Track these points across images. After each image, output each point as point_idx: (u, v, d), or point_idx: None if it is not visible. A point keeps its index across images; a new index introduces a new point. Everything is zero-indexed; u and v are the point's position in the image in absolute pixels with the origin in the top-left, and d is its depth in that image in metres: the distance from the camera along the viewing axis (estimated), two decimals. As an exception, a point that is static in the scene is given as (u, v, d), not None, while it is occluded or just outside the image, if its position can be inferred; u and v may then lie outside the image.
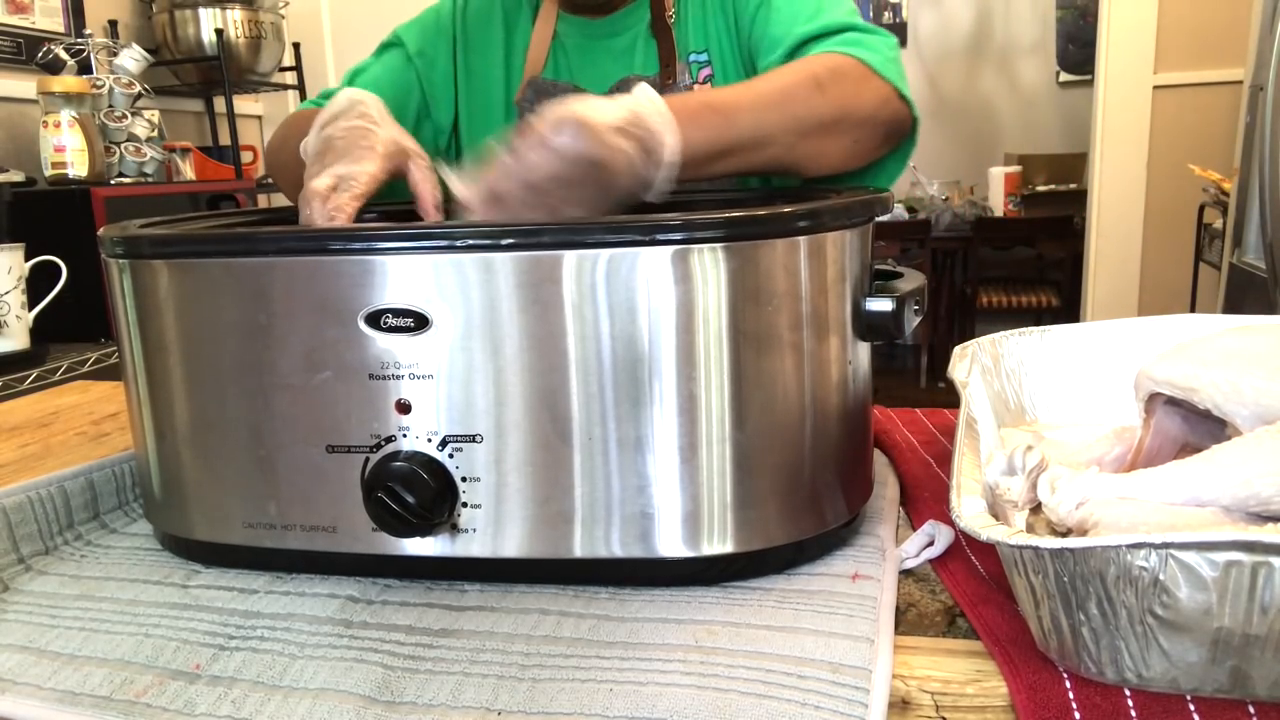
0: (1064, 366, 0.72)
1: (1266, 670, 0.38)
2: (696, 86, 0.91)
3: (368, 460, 0.51)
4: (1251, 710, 0.38)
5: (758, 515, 0.51)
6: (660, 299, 0.48)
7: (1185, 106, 3.05)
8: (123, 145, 2.32)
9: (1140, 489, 0.47)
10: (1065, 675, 0.41)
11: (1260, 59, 2.06)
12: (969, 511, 0.43)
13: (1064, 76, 4.46)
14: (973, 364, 0.67)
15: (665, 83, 0.91)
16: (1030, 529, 0.52)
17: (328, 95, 0.91)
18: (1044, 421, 0.71)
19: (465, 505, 0.51)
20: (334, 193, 0.64)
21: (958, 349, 0.69)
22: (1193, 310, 2.08)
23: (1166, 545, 0.36)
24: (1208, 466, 0.46)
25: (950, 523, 0.57)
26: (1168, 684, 0.39)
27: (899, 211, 4.06)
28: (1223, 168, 2.56)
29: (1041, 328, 0.73)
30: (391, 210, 0.79)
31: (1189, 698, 0.39)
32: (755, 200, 0.75)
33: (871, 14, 4.68)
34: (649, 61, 0.93)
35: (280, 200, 3.24)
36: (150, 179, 2.37)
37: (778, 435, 0.51)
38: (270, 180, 3.08)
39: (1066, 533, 0.48)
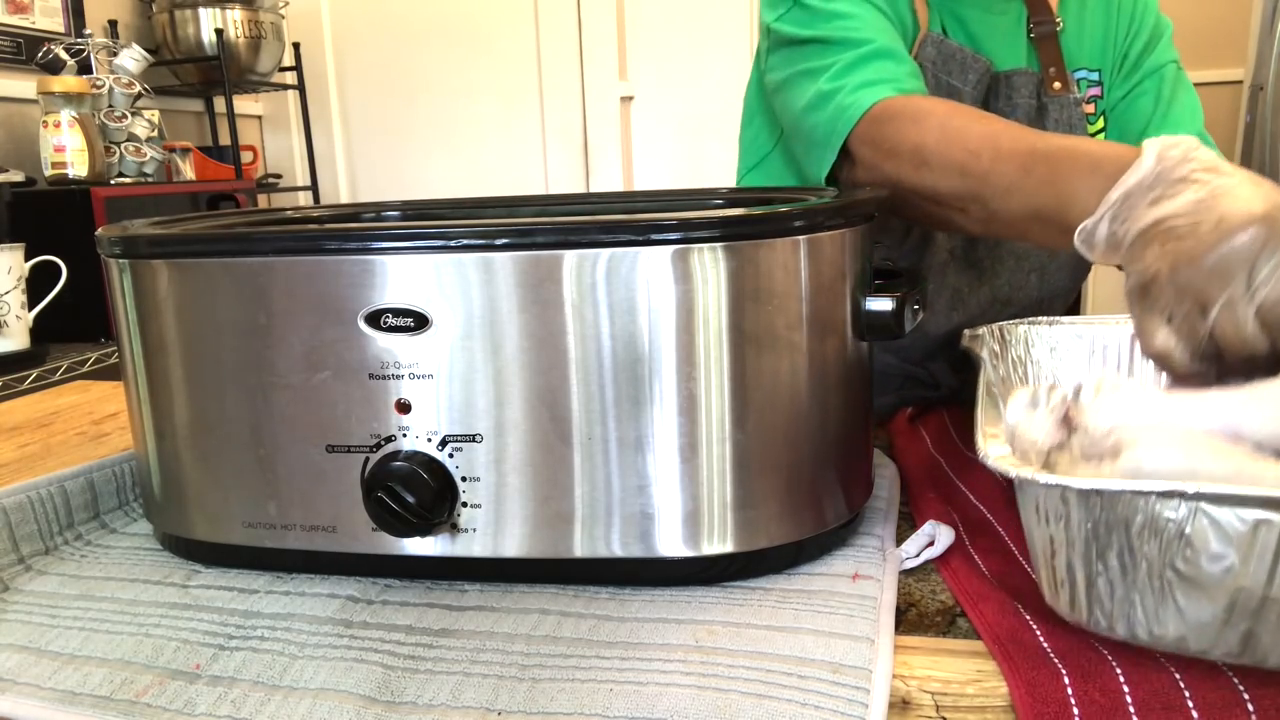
0: (1068, 359, 0.71)
1: (1278, 636, 0.37)
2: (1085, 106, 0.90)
3: (367, 460, 0.51)
4: (1251, 710, 0.38)
5: (758, 515, 0.51)
6: (660, 298, 0.48)
7: (1185, 106, 3.04)
8: (123, 145, 2.32)
9: (1179, 412, 0.45)
10: (1064, 671, 0.41)
11: (1260, 59, 2.06)
12: (995, 452, 0.43)
13: (1064, 76, 4.45)
14: (981, 348, 0.66)
15: (1050, 86, 0.88)
16: (1051, 468, 0.50)
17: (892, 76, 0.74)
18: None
19: (465, 505, 0.51)
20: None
21: (967, 331, 0.68)
22: (1193, 310, 2.07)
23: (1199, 496, 0.36)
24: (1249, 397, 0.45)
25: (951, 523, 0.57)
26: (1175, 642, 0.39)
27: (899, 211, 4.04)
28: (1223, 167, 2.56)
29: (1048, 318, 0.72)
30: (390, 210, 0.79)
31: (1188, 695, 0.39)
32: (754, 200, 0.75)
33: (871, 14, 4.67)
34: (1028, 57, 0.90)
35: (279, 200, 3.24)
36: (150, 179, 2.37)
37: (778, 435, 0.51)
38: (270, 180, 3.09)
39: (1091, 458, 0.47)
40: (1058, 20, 0.91)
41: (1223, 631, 0.38)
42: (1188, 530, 0.36)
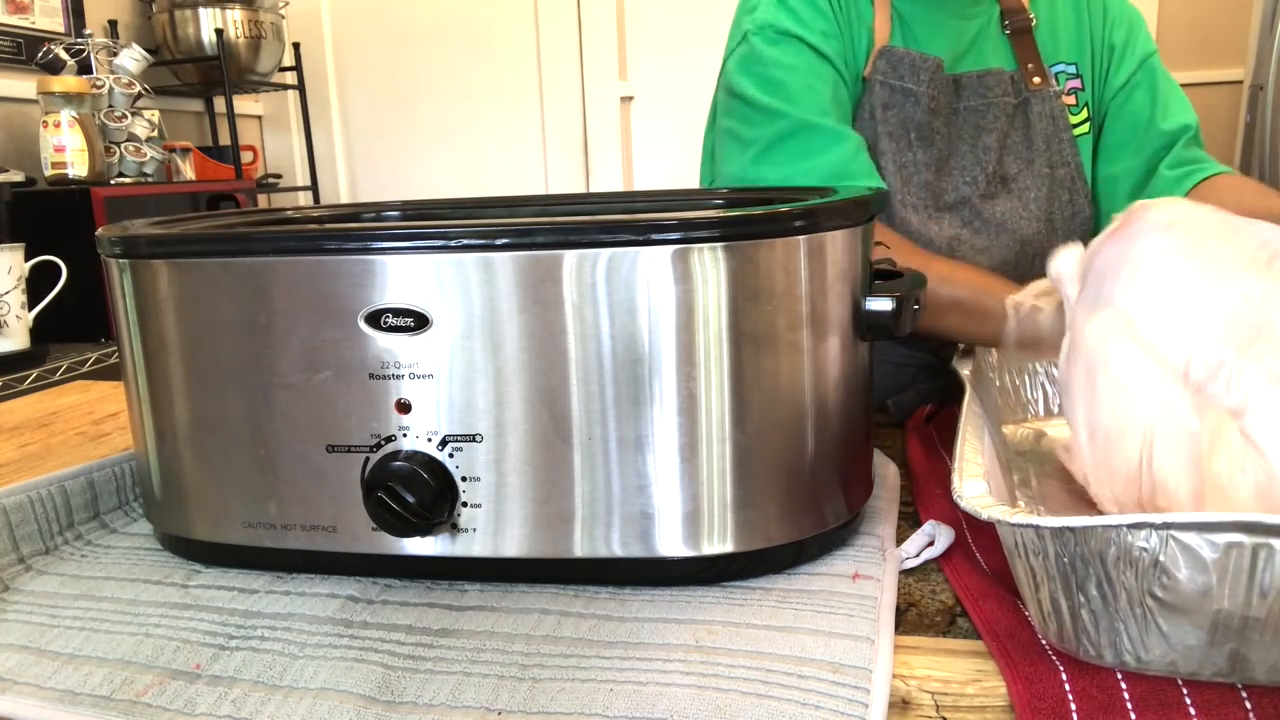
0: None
1: (1265, 653, 0.38)
2: (1064, 98, 0.92)
3: (368, 460, 0.51)
4: (1248, 706, 0.38)
5: (758, 515, 0.51)
6: (660, 298, 0.48)
7: (1185, 106, 3.04)
8: (123, 145, 2.31)
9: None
10: (1061, 668, 0.41)
11: (1260, 59, 2.07)
12: (971, 492, 0.43)
13: (1064, 76, 4.45)
14: (975, 359, 0.67)
15: (1030, 80, 0.90)
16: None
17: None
18: (1044, 419, 0.71)
19: (465, 505, 0.51)
20: None
21: (960, 348, 0.69)
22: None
23: (1167, 526, 0.36)
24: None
25: (955, 521, 0.57)
26: (1166, 667, 0.39)
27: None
28: (1223, 167, 2.56)
29: None
30: (390, 210, 0.79)
31: (1185, 691, 0.39)
32: (754, 200, 0.75)
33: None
34: (1004, 56, 0.92)
35: (279, 200, 3.24)
36: (150, 179, 2.37)
37: (778, 435, 0.51)
38: (270, 180, 3.09)
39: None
40: (1030, 16, 0.91)
41: (1209, 653, 0.38)
42: (1161, 558, 0.37)
